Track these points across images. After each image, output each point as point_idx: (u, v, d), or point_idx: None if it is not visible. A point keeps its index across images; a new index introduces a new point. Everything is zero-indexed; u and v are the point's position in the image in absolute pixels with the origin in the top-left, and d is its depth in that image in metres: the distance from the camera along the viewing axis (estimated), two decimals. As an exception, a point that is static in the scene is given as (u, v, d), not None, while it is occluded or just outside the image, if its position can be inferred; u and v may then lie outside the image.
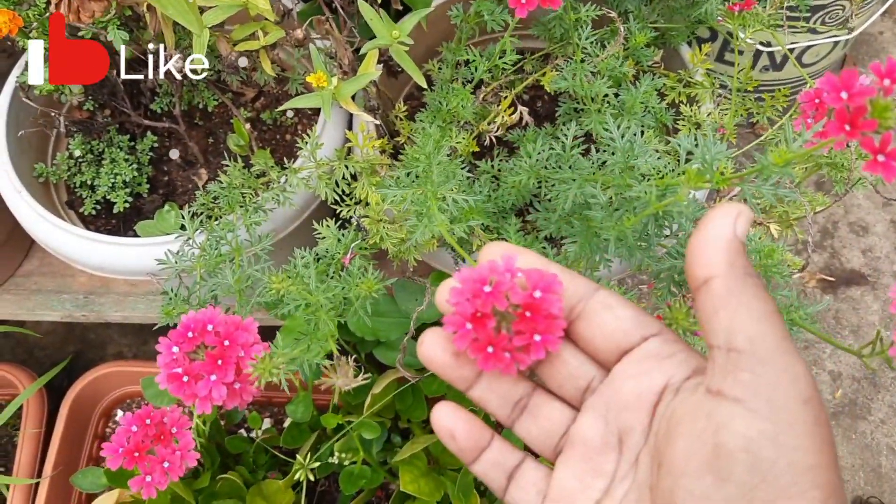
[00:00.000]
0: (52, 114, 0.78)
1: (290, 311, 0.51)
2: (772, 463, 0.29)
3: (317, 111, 0.91)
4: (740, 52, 1.20)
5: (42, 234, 0.74)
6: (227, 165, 0.71)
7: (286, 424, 1.12)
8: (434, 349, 0.37)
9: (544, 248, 0.60)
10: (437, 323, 0.93)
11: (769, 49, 1.22)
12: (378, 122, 0.69)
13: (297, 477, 0.82)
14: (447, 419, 0.37)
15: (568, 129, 0.59)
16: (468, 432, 0.37)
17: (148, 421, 0.54)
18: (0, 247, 0.98)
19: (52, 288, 1.02)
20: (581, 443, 0.36)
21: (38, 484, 1.00)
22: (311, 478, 0.83)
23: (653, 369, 0.35)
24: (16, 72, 0.81)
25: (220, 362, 0.46)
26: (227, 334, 0.47)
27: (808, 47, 1.30)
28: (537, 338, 0.34)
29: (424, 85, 0.64)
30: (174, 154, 0.87)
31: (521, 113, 0.74)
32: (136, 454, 0.52)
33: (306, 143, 0.69)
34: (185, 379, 0.46)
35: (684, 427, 0.32)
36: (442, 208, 0.49)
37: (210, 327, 0.47)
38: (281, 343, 0.47)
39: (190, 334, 0.47)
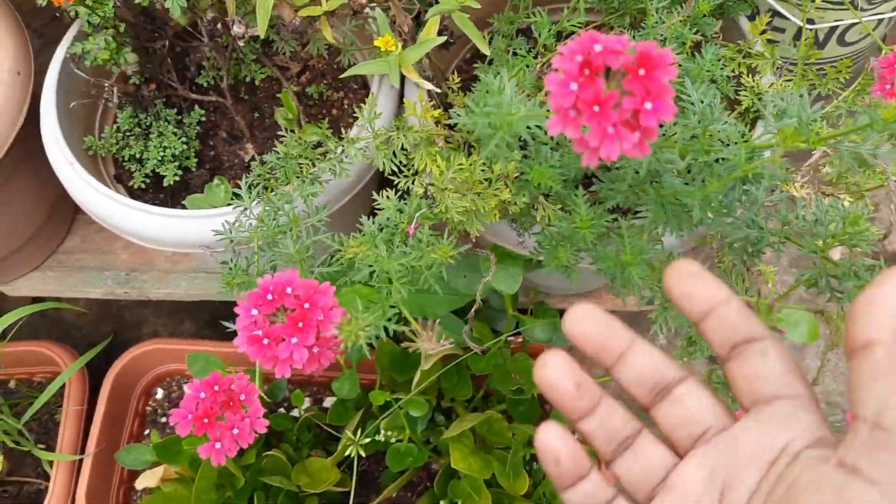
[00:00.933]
0: (105, 84, 0.77)
1: (361, 278, 0.50)
2: None
3: (363, 86, 0.90)
4: (781, 30, 1.17)
5: (94, 206, 0.74)
6: (281, 136, 0.70)
7: (326, 403, 1.11)
8: (557, 374, 0.36)
9: (615, 219, 0.59)
10: (486, 301, 0.91)
11: (812, 27, 1.20)
12: (438, 90, 0.68)
13: (347, 453, 0.82)
14: (555, 442, 0.37)
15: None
16: (573, 459, 0.37)
17: (216, 388, 0.53)
18: (42, 224, 0.97)
19: (95, 265, 1.01)
20: (681, 489, 0.35)
21: (80, 461, 1.00)
22: (363, 454, 0.82)
23: (777, 430, 0.34)
24: (65, 42, 0.80)
25: (300, 325, 0.45)
26: (306, 297, 0.46)
27: (852, 25, 1.27)
28: (648, 105, 0.30)
29: (488, 52, 0.63)
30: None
31: (578, 84, 0.73)
32: (206, 420, 0.52)
33: (363, 112, 0.68)
34: (266, 342, 0.46)
35: (808, 497, 0.30)
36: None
37: (289, 290, 0.46)
38: (360, 308, 0.46)
39: (269, 297, 0.46)
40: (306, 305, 0.46)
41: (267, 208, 0.68)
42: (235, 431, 0.52)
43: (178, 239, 0.73)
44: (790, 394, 0.34)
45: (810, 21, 1.17)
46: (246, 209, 0.68)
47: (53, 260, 1.03)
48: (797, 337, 0.73)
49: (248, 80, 0.87)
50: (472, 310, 0.61)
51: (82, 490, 0.97)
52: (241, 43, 0.64)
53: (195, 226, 0.73)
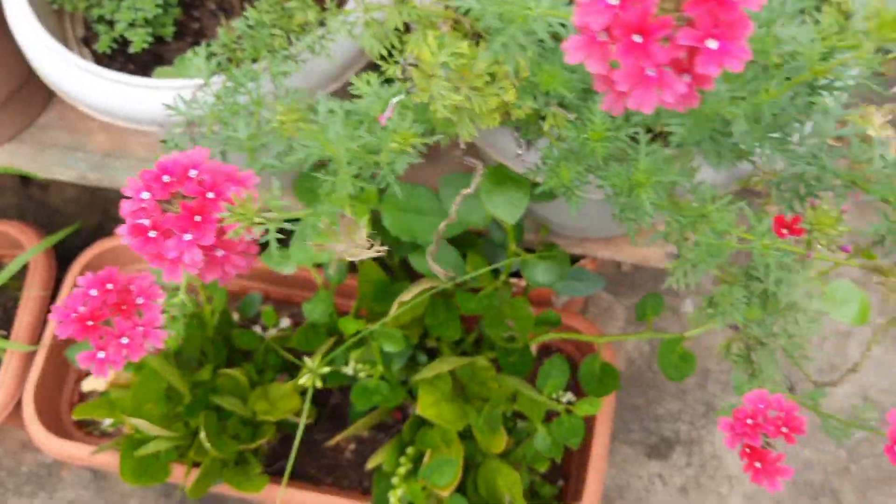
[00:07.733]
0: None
1: (296, 162, 0.40)
2: None
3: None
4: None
5: (41, 64, 0.64)
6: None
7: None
8: None
9: (636, 134, 0.47)
10: (486, 234, 0.80)
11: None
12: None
13: (301, 381, 0.73)
14: None
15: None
16: None
17: (110, 286, 0.43)
18: (15, 91, 0.88)
19: (68, 144, 0.92)
20: None
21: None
22: (319, 384, 0.73)
23: None
24: None
25: (198, 218, 0.35)
26: (213, 185, 0.36)
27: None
28: (712, 44, 0.19)
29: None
30: None
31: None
32: (90, 323, 0.42)
33: (355, -21, 0.56)
34: (152, 234, 0.36)
35: None
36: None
37: (193, 173, 0.36)
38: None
39: (166, 178, 0.36)
40: (210, 195, 0.36)
41: (228, 85, 0.57)
42: (125, 341, 0.42)
43: (133, 111, 0.63)
44: None
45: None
46: (204, 84, 0.58)
47: (28, 134, 0.94)
48: (842, 316, 0.60)
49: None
50: (441, 228, 0.50)
51: (31, 385, 0.90)
52: None
53: (153, 97, 0.63)
